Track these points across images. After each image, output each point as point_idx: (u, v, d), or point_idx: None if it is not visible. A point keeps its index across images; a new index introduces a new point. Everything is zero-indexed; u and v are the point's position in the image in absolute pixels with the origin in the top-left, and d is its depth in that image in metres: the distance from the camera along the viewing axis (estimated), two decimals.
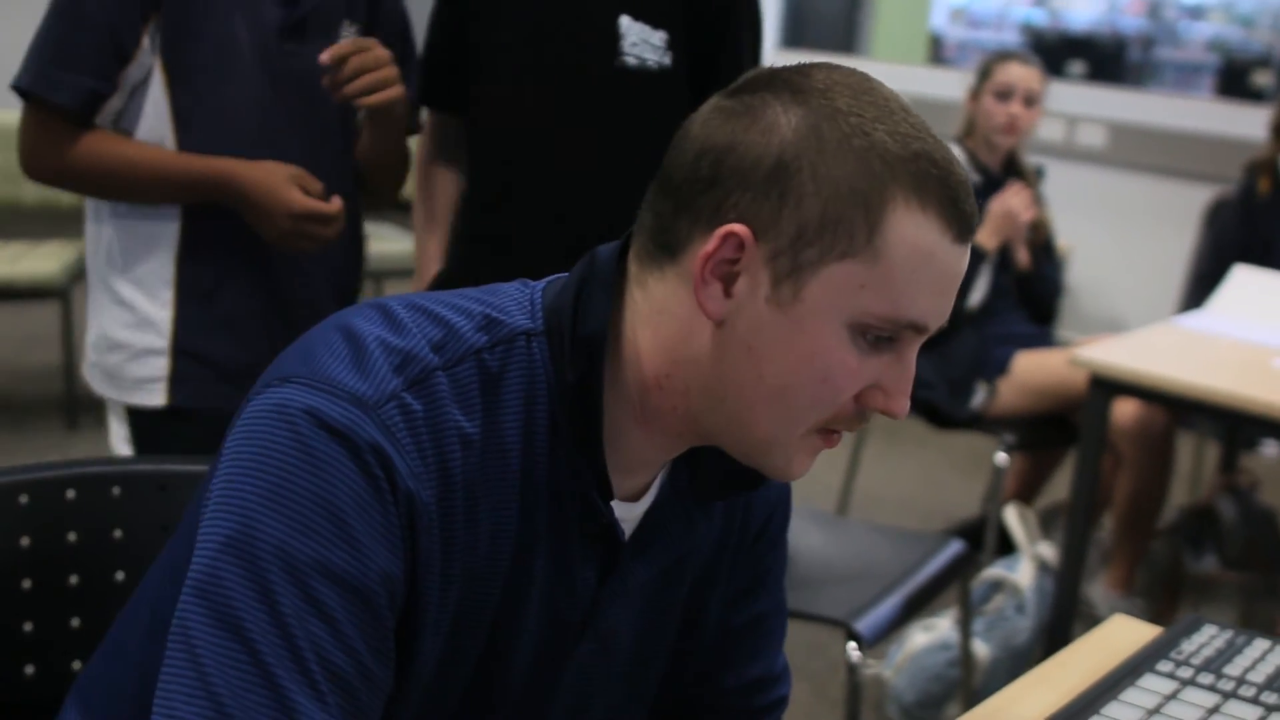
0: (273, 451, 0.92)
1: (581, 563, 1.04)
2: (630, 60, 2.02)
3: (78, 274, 4.35)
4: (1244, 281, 3.40)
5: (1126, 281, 5.45)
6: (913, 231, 0.92)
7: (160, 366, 1.96)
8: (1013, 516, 3.27)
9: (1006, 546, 3.32)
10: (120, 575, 1.36)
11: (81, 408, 4.41)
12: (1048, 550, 3.18)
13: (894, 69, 6.03)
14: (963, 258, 0.96)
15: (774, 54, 6.03)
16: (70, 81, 1.84)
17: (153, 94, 1.89)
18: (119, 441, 2.03)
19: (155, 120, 1.90)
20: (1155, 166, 5.45)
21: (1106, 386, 2.88)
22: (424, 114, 2.20)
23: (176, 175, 1.88)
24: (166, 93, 1.89)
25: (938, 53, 8.71)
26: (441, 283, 2.16)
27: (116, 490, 1.37)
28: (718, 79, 2.07)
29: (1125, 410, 3.33)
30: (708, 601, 1.18)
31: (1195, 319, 3.31)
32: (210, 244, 1.95)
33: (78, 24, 1.84)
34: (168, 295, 1.95)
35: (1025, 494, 3.69)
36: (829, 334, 0.94)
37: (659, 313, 0.99)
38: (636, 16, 2.03)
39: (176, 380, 1.96)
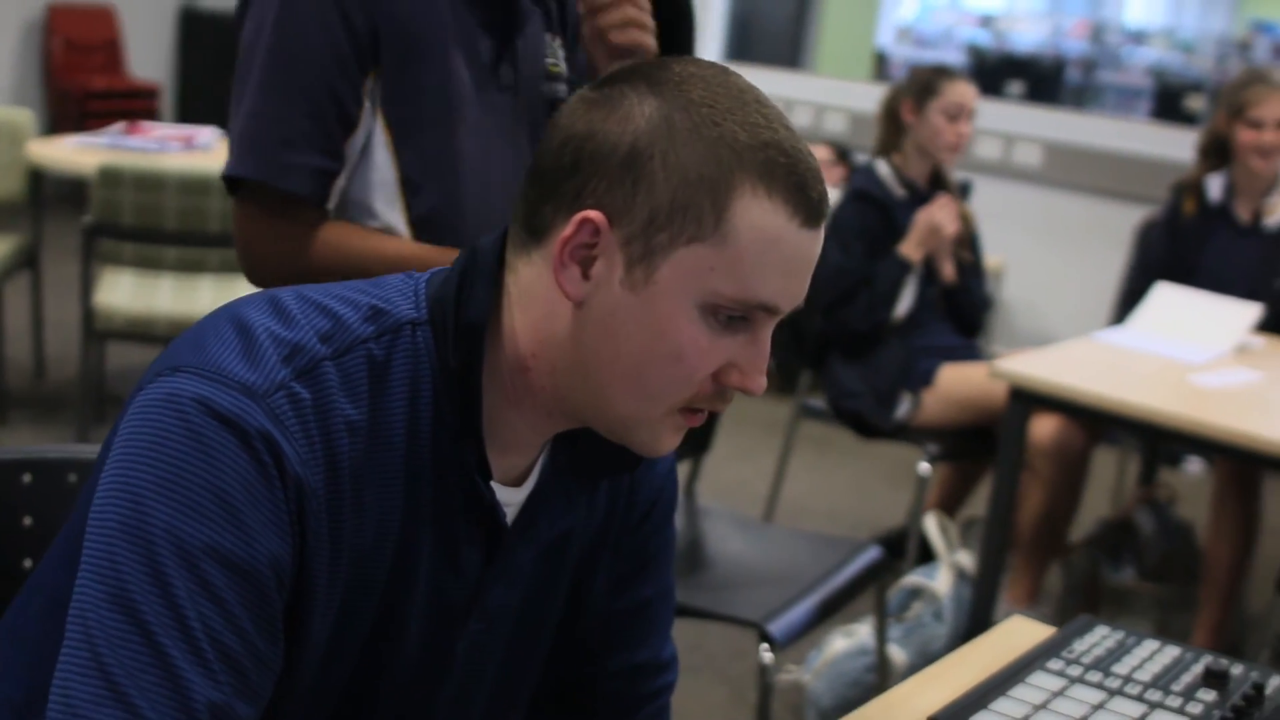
0: (165, 439, 0.95)
1: (466, 544, 1.08)
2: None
3: (9, 268, 4.32)
4: (1165, 298, 3.46)
5: (1060, 298, 5.53)
6: (759, 217, 0.97)
7: None
8: (932, 525, 3.32)
9: (928, 555, 3.37)
10: (28, 562, 1.36)
11: (11, 402, 4.38)
12: (966, 559, 3.23)
13: (839, 85, 6.10)
14: (813, 242, 1.00)
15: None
16: (299, 163, 1.56)
17: (377, 160, 1.63)
18: None
19: (382, 190, 1.64)
20: (1090, 186, 5.54)
21: (1025, 398, 2.93)
22: None
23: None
24: (392, 156, 1.63)
25: (883, 70, 8.81)
26: None
27: (27, 477, 1.37)
28: None
29: (1043, 428, 3.39)
30: (592, 583, 1.21)
31: (1116, 334, 3.37)
32: None
33: (295, 93, 1.56)
34: None
35: (949, 504, 3.74)
36: (681, 314, 0.98)
37: (526, 294, 1.03)
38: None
39: None
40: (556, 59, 1.78)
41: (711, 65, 1.03)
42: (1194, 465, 4.90)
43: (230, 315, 1.02)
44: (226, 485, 0.94)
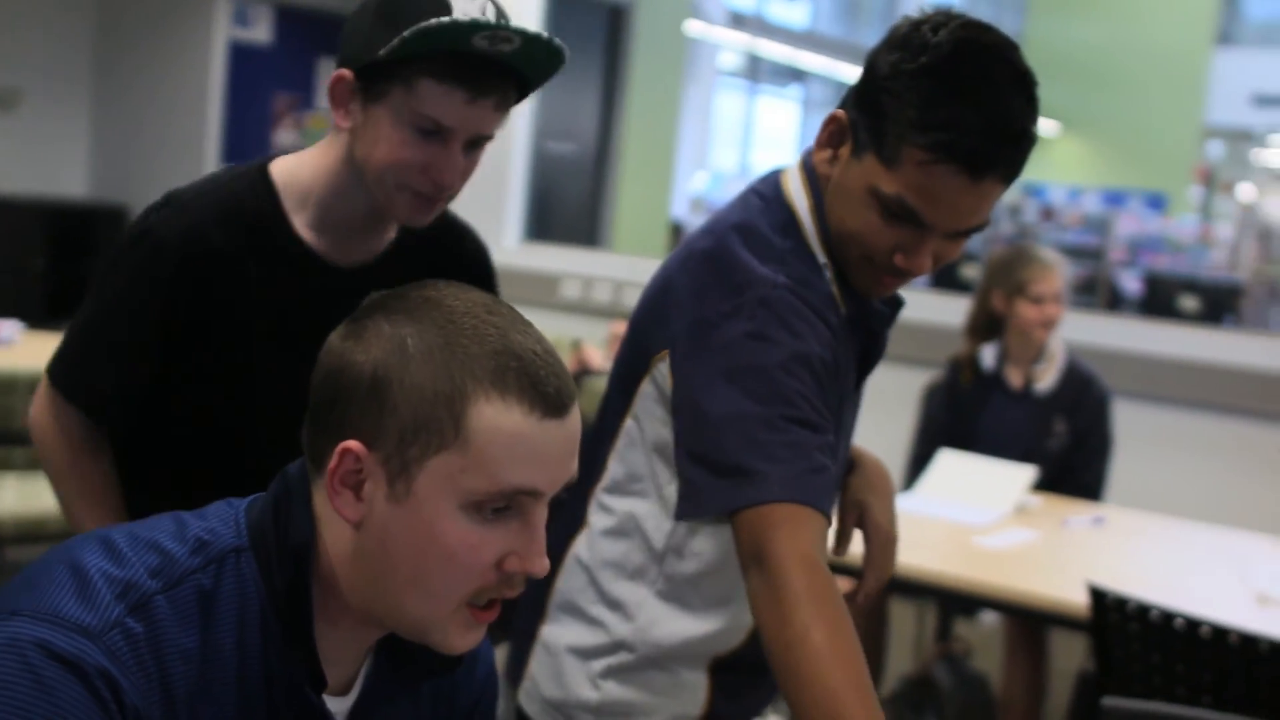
0: (8, 683, 1.00)
1: None
2: None
3: None
4: (948, 464, 3.69)
5: None
6: (493, 418, 1.08)
7: None
8: None
9: None
10: None
11: None
12: None
13: (636, 261, 6.32)
14: (560, 429, 1.11)
15: (519, 248, 6.26)
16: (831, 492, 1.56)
17: None
18: None
19: None
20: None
21: None
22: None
23: None
24: None
25: (678, 241, 9.10)
26: None
27: None
28: None
29: (841, 586, 3.54)
30: None
31: (905, 500, 3.56)
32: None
33: (815, 427, 1.53)
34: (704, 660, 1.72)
35: None
36: (444, 517, 1.08)
37: (321, 520, 1.13)
38: None
39: None
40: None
41: (448, 286, 1.14)
42: (989, 615, 5.12)
43: (63, 558, 1.09)
44: None
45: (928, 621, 4.41)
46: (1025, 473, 3.60)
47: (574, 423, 1.13)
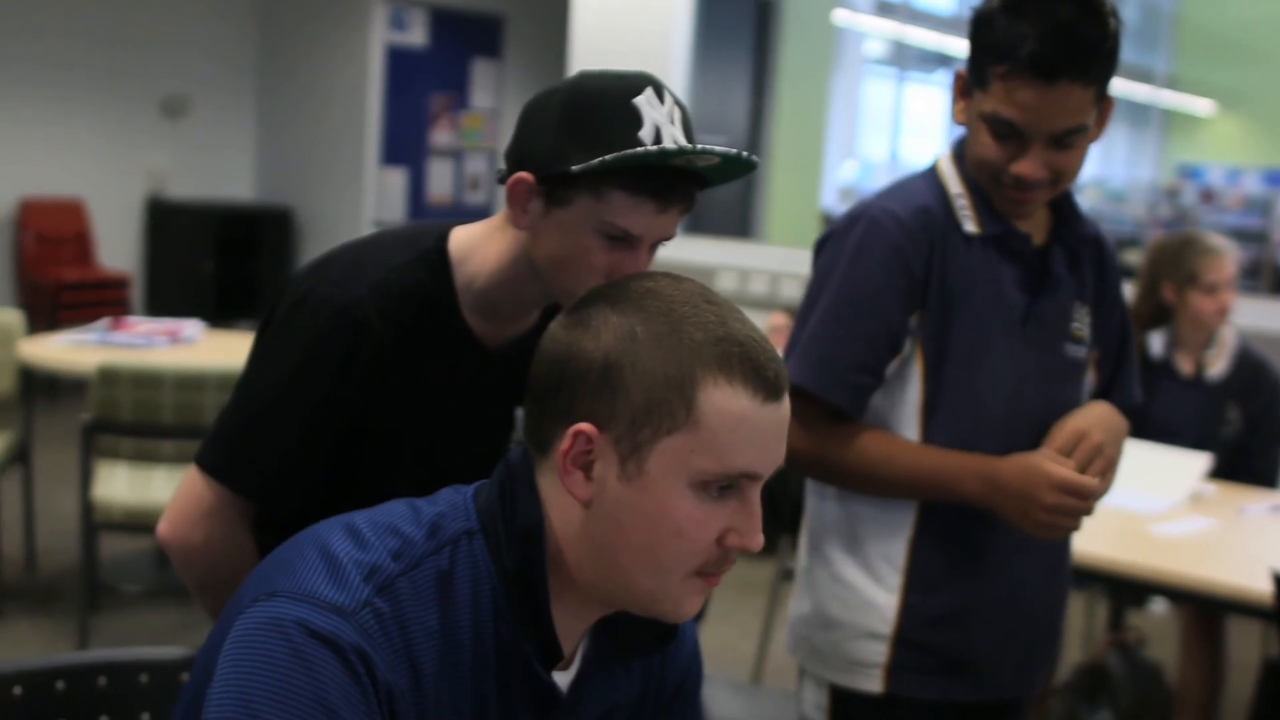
0: (273, 658, 1.09)
1: None
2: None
3: (2, 465, 4.42)
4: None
5: None
6: (722, 402, 1.14)
7: (879, 652, 1.97)
8: None
9: None
10: None
11: (5, 595, 4.43)
12: None
13: (789, 252, 6.33)
14: (777, 412, 1.17)
15: (677, 241, 6.32)
16: (849, 380, 1.91)
17: (908, 385, 1.94)
18: (812, 709, 2.07)
19: (905, 410, 1.95)
20: None
21: None
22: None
23: (934, 473, 1.90)
24: (921, 384, 1.94)
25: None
26: None
27: (144, 677, 1.51)
28: None
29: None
30: None
31: None
32: (946, 535, 1.96)
33: (856, 323, 1.91)
34: (896, 580, 1.97)
35: None
36: (675, 495, 1.14)
37: (547, 501, 1.20)
38: None
39: (895, 668, 1.97)
40: (1082, 324, 2.01)
41: (665, 276, 1.21)
42: (1159, 605, 5.06)
43: (313, 541, 1.18)
44: (329, 696, 1.08)
45: (1098, 613, 4.37)
46: (1199, 460, 3.55)
47: (787, 408, 1.18)
